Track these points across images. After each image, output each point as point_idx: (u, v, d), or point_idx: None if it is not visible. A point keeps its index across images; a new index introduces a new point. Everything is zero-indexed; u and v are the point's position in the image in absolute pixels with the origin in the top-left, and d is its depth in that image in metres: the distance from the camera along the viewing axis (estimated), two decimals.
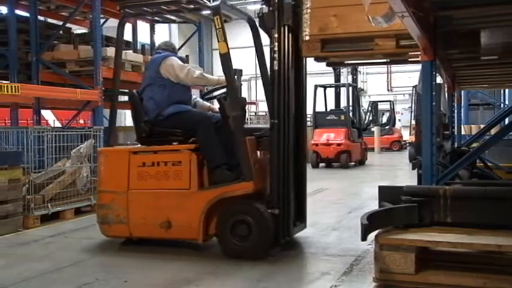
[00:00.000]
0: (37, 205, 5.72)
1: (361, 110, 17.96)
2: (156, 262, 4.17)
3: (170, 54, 4.78)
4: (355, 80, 17.20)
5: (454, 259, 2.64)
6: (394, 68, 24.69)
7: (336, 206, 6.99)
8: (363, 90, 24.76)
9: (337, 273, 3.79)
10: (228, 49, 4.30)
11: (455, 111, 7.22)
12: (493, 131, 6.12)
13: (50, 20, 9.41)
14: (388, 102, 21.79)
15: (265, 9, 4.30)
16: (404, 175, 11.12)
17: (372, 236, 2.65)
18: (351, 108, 14.21)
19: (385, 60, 4.66)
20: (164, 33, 20.20)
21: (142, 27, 10.03)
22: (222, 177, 4.32)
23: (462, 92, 9.29)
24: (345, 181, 10.30)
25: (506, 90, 12.19)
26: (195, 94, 5.49)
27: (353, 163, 13.51)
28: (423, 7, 2.91)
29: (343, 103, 14.99)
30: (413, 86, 15.97)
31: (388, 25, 3.30)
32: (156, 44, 6.02)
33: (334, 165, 13.37)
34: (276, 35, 4.20)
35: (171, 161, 4.39)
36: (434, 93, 3.49)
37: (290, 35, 4.27)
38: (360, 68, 22.11)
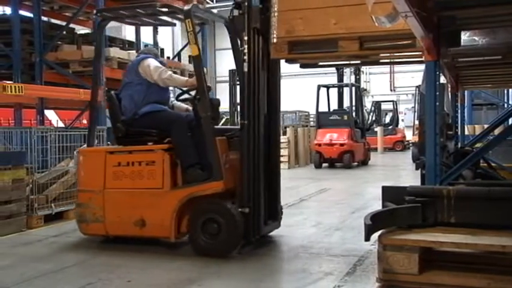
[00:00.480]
0: (40, 205, 5.73)
1: (364, 110, 17.96)
2: (158, 262, 4.17)
3: (149, 56, 4.92)
4: (358, 80, 17.19)
5: (458, 259, 2.63)
6: (397, 68, 24.65)
7: (339, 206, 6.99)
8: (366, 90, 24.73)
9: (340, 274, 3.79)
10: (200, 52, 4.50)
11: (459, 111, 7.20)
12: (496, 131, 6.10)
13: (53, 21, 9.45)
14: (391, 102, 21.75)
15: (236, 12, 4.42)
16: (407, 175, 11.10)
17: (375, 236, 2.64)
18: (354, 108, 14.19)
19: (356, 62, 4.72)
20: (168, 33, 20.25)
21: (146, 27, 10.06)
22: (195, 176, 4.43)
23: (465, 92, 9.27)
24: (348, 181, 10.29)
25: (510, 90, 12.17)
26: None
27: (356, 163, 13.50)
28: (427, 7, 2.91)
29: (346, 103, 14.98)
30: (417, 86, 15.98)
31: (392, 25, 3.30)
32: (159, 45, 6.10)
33: (337, 166, 13.36)
34: (246, 38, 4.31)
35: (145, 160, 4.53)
36: (437, 93, 3.48)
37: (260, 37, 4.36)
38: (363, 68, 22.09)
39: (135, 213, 4.49)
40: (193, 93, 4.81)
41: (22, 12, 8.38)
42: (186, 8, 4.59)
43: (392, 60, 5.35)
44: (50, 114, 14.17)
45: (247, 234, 4.32)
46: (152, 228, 4.47)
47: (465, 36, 4.18)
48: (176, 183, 4.51)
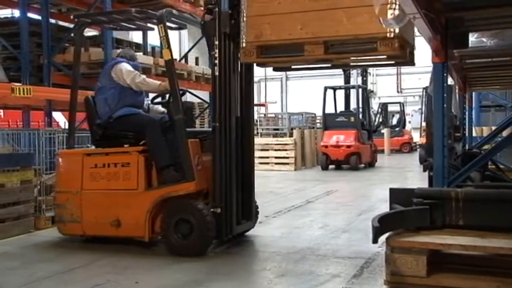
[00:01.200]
0: (48, 206, 5.76)
1: (371, 112, 17.89)
2: (165, 263, 4.18)
3: (123, 60, 5.03)
4: (365, 82, 17.12)
5: (467, 262, 2.62)
6: (404, 69, 24.57)
7: (346, 208, 6.97)
8: (372, 91, 24.65)
9: (347, 276, 3.78)
10: (172, 56, 4.62)
11: (467, 112, 7.17)
12: (504, 133, 6.07)
13: (61, 23, 9.49)
14: (398, 104, 21.68)
15: (207, 17, 4.53)
16: (414, 177, 11.06)
17: (382, 238, 2.63)
18: (360, 110, 14.16)
19: (327, 65, 4.84)
20: (174, 36, 20.30)
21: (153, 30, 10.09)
22: (170, 177, 4.56)
23: (473, 93, 9.23)
24: (354, 183, 10.27)
25: None
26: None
27: (363, 165, 13.46)
28: (434, 8, 2.90)
29: (352, 105, 14.94)
30: (424, 88, 15.91)
31: (399, 26, 3.30)
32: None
33: (343, 167, 13.33)
34: (217, 42, 4.42)
35: (121, 162, 4.67)
36: (445, 95, 3.47)
37: (230, 42, 4.46)
38: (370, 70, 22.04)
39: (111, 214, 4.62)
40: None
41: (30, 15, 8.43)
42: (158, 13, 4.72)
43: (357, 64, 5.47)
44: (57, 116, 14.23)
45: (220, 234, 4.43)
46: (127, 228, 4.59)
47: (473, 38, 4.17)
48: (151, 184, 4.63)
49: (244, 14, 3.94)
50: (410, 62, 4.11)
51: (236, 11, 4.36)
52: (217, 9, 4.42)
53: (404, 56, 3.78)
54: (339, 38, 3.72)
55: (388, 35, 3.45)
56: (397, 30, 3.46)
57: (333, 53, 3.86)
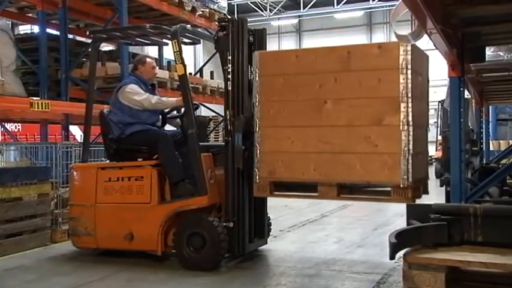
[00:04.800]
0: (65, 219, 5.80)
1: None
2: (181, 276, 4.18)
3: (127, 81, 5.07)
4: None
5: (485, 280, 2.57)
6: None
7: (361, 223, 6.91)
8: None
9: None
10: (185, 71, 4.68)
11: (484, 126, 7.10)
12: None
13: (79, 38, 9.65)
14: None
15: (221, 33, 4.59)
16: (430, 191, 10.90)
17: (398, 254, 2.60)
18: None
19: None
20: (189, 50, 20.51)
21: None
22: (185, 191, 4.57)
23: (490, 107, 9.14)
24: None
25: None
26: None
27: None
28: (451, 23, 2.90)
29: None
30: (439, 101, 15.80)
31: (415, 42, 3.30)
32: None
33: None
34: (230, 57, 4.47)
35: (134, 176, 4.71)
36: (462, 109, 3.45)
37: (244, 58, 4.52)
38: None
39: (124, 227, 4.65)
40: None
41: (49, 31, 8.59)
42: (172, 29, 4.77)
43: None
44: (74, 129, 14.42)
45: (232, 249, 4.43)
46: (140, 242, 4.61)
47: (490, 52, 4.15)
48: (164, 198, 4.66)
49: (258, 149, 4.01)
50: (424, 193, 4.04)
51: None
52: (231, 26, 4.49)
53: (418, 196, 3.75)
54: (354, 182, 3.76)
55: (401, 185, 3.46)
56: (410, 179, 3.46)
57: (346, 197, 3.89)
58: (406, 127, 3.44)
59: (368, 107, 3.59)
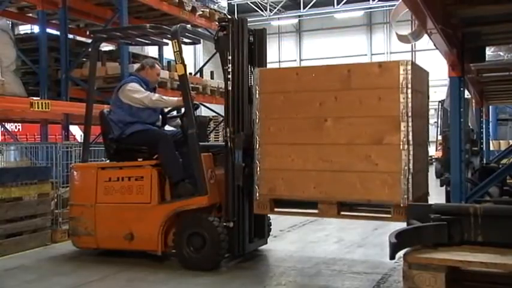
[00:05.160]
0: (65, 219, 5.79)
1: None
2: (181, 276, 4.18)
3: (128, 80, 5.10)
4: None
5: (485, 279, 2.57)
6: None
7: (361, 223, 6.88)
8: None
9: None
10: (185, 71, 4.67)
11: (484, 126, 7.09)
12: None
13: (79, 38, 9.64)
14: None
15: (221, 33, 4.59)
16: (431, 191, 10.90)
17: (398, 253, 2.60)
18: None
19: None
20: (189, 50, 20.51)
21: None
22: (185, 191, 4.56)
23: (490, 106, 9.14)
24: None
25: None
26: None
27: None
28: (451, 23, 2.90)
29: None
30: (439, 101, 15.79)
31: (415, 41, 3.30)
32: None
33: None
34: (230, 57, 4.47)
35: (134, 176, 4.70)
36: (462, 109, 3.45)
37: (244, 58, 4.51)
38: None
39: (124, 227, 4.65)
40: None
41: (49, 31, 8.59)
42: (172, 29, 4.77)
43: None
44: (74, 129, 14.42)
45: (232, 249, 4.43)
46: (140, 242, 4.62)
47: (490, 52, 4.15)
48: (164, 198, 4.65)
49: (258, 166, 4.02)
50: None
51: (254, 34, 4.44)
52: (231, 26, 4.48)
53: None
54: (354, 201, 3.79)
55: (401, 204, 3.48)
56: (410, 198, 3.47)
57: (346, 216, 3.92)
58: (406, 146, 3.46)
59: (368, 126, 3.61)
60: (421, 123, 3.78)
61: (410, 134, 3.47)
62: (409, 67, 3.45)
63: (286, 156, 3.91)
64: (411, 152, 3.47)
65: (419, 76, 3.73)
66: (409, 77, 3.44)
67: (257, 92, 4.03)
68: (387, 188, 3.51)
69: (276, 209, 4.08)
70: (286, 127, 3.92)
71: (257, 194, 4.04)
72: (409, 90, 3.45)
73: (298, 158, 3.88)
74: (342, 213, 3.84)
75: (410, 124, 3.47)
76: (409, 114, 3.46)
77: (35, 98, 7.15)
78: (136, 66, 7.79)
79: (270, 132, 3.98)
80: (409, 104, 3.46)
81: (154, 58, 9.73)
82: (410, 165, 3.47)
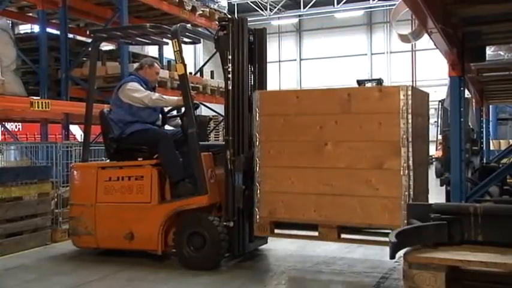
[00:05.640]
0: (65, 219, 5.80)
1: None
2: (181, 276, 4.18)
3: (128, 79, 5.09)
4: None
5: (486, 279, 2.57)
6: (419, 82, 24.46)
7: None
8: None
9: None
10: (185, 70, 4.66)
11: (484, 126, 7.09)
12: None
13: (79, 38, 9.64)
14: None
15: (221, 33, 4.59)
16: (431, 191, 10.90)
17: (398, 253, 2.60)
18: None
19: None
20: (189, 49, 20.49)
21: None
22: (185, 190, 4.56)
23: (490, 106, 9.14)
24: None
25: None
26: None
27: None
28: (451, 23, 2.90)
29: None
30: (439, 101, 15.80)
31: (415, 41, 3.29)
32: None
33: None
34: (230, 57, 4.47)
35: (134, 175, 4.70)
36: (462, 109, 3.45)
37: (244, 57, 4.51)
38: (385, 82, 21.99)
39: (125, 227, 4.65)
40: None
41: (49, 30, 8.59)
42: (172, 28, 4.76)
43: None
44: (74, 129, 14.42)
45: (232, 248, 4.43)
46: (140, 241, 4.61)
47: (490, 51, 4.15)
48: (164, 197, 4.65)
49: (259, 189, 4.03)
50: None
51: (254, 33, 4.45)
52: (231, 25, 4.49)
53: None
54: (353, 225, 3.80)
55: (402, 227, 3.50)
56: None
57: (347, 239, 3.95)
58: (406, 171, 3.47)
59: (368, 151, 3.62)
60: (421, 145, 3.80)
61: (411, 159, 3.48)
62: (409, 92, 3.46)
63: (287, 179, 3.93)
64: (411, 177, 3.49)
65: (420, 99, 3.75)
66: (409, 102, 3.45)
67: (257, 114, 4.05)
68: (387, 213, 3.52)
69: (276, 231, 4.11)
70: (287, 150, 3.94)
71: (257, 216, 4.07)
72: (409, 116, 3.47)
73: (298, 181, 3.90)
74: (343, 236, 3.87)
75: (410, 149, 3.48)
76: (409, 139, 3.48)
77: (35, 98, 7.16)
78: (135, 65, 7.81)
79: (270, 154, 4.01)
80: (409, 130, 3.48)
81: (155, 58, 9.75)
82: (411, 191, 3.49)
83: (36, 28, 9.40)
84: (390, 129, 3.53)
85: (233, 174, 4.40)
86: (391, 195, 3.53)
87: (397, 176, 3.50)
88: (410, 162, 3.47)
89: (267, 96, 4.15)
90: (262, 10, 24.49)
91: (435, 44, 3.19)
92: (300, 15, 25.81)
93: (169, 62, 9.15)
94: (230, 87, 4.52)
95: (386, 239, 3.63)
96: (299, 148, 3.88)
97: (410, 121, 3.46)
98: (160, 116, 5.25)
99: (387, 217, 3.52)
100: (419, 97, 3.75)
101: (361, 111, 3.66)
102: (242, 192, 4.35)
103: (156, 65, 5.27)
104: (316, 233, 3.91)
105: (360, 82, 15.59)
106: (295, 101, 3.95)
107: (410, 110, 3.46)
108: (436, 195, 4.84)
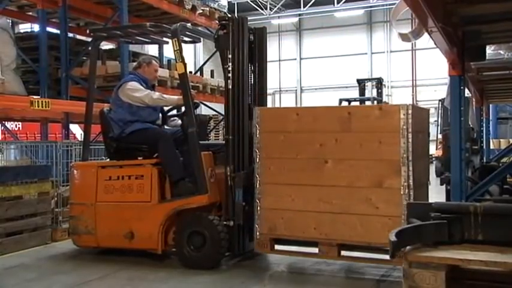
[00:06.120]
0: (65, 218, 5.79)
1: None
2: (181, 275, 4.18)
3: (128, 79, 5.08)
4: (380, 94, 17.06)
5: (486, 278, 2.57)
6: (420, 81, 24.47)
7: None
8: (388, 103, 24.55)
9: None
10: (185, 69, 4.66)
11: (484, 125, 7.09)
12: None
13: (79, 37, 9.64)
14: None
15: (221, 32, 4.59)
16: (431, 190, 10.90)
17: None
18: None
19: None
20: (189, 49, 20.49)
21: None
22: (185, 190, 4.56)
23: (490, 105, 9.14)
24: None
25: None
26: None
27: None
28: (451, 22, 2.89)
29: None
30: (440, 100, 15.80)
31: (416, 40, 3.30)
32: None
33: None
34: (230, 56, 4.46)
35: (134, 175, 4.70)
36: (462, 108, 3.45)
37: (245, 56, 4.52)
38: (385, 82, 21.99)
39: (125, 226, 4.64)
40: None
41: (49, 29, 8.59)
42: (172, 27, 4.76)
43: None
44: (74, 128, 14.42)
45: (232, 247, 4.43)
46: (140, 241, 4.61)
47: (490, 50, 4.15)
48: (164, 196, 4.65)
49: (259, 205, 4.03)
50: None
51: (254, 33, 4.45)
52: (231, 24, 4.48)
53: None
54: (353, 243, 3.80)
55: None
56: None
57: (347, 258, 3.96)
58: (406, 191, 3.47)
59: (369, 169, 3.62)
60: (422, 162, 3.80)
61: (411, 178, 3.48)
62: (410, 111, 3.47)
63: (287, 196, 3.94)
64: (412, 196, 3.48)
65: (419, 116, 3.75)
66: (410, 121, 3.46)
67: (257, 131, 4.05)
68: (388, 231, 3.51)
69: (276, 248, 4.13)
70: (287, 167, 3.95)
71: (257, 233, 4.08)
72: (410, 134, 3.47)
73: (298, 198, 3.91)
74: (343, 254, 3.87)
75: (410, 168, 3.48)
76: (410, 158, 3.48)
77: (35, 97, 7.15)
78: (134, 64, 7.81)
79: (270, 171, 4.02)
80: (410, 148, 3.48)
81: (155, 57, 9.75)
82: None
83: (36, 27, 9.39)
84: (390, 148, 3.54)
85: (233, 191, 4.40)
86: (392, 213, 3.54)
87: (398, 194, 3.50)
88: (411, 181, 3.48)
89: (267, 113, 4.18)
90: (262, 9, 24.48)
91: (435, 43, 3.19)
92: (300, 15, 25.80)
93: (169, 61, 9.15)
94: (230, 87, 4.52)
95: (387, 257, 3.65)
96: (299, 165, 3.89)
97: (410, 140, 3.47)
98: (160, 115, 5.25)
99: (387, 235, 3.52)
100: (419, 114, 3.77)
101: (361, 129, 3.68)
102: (242, 209, 4.36)
103: (154, 62, 5.27)
104: (316, 250, 3.93)
105: (360, 81, 15.59)
106: (295, 118, 3.96)
107: (410, 129, 3.47)
108: (437, 194, 4.85)
